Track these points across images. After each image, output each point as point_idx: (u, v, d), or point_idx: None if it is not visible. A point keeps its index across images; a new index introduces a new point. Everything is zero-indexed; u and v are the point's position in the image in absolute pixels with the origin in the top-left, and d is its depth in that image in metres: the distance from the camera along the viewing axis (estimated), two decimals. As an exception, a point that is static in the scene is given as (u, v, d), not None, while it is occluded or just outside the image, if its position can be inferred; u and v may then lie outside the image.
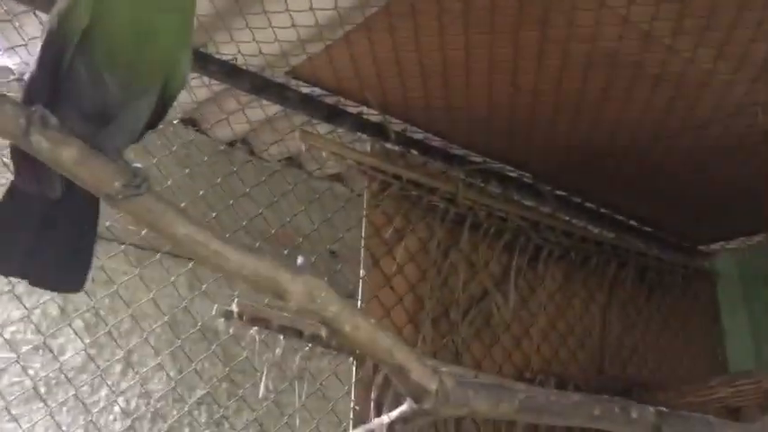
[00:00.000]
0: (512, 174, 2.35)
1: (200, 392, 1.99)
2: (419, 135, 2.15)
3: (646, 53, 1.67)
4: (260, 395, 1.79)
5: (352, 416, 1.78)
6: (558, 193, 2.43)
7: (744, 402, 1.85)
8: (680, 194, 2.44)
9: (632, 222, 2.62)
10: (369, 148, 2.03)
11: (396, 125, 2.07)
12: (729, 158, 2.17)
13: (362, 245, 1.93)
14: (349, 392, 1.81)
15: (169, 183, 1.90)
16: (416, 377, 0.94)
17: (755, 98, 1.82)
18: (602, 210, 2.54)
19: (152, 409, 1.93)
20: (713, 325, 2.72)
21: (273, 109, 2.01)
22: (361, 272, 1.90)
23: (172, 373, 1.97)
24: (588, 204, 2.51)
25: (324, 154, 1.92)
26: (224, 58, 1.83)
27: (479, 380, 1.04)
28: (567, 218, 2.41)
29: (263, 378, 1.77)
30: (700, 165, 2.21)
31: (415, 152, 2.15)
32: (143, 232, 1.68)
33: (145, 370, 1.95)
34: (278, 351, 1.74)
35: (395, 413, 1.02)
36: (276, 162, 2.22)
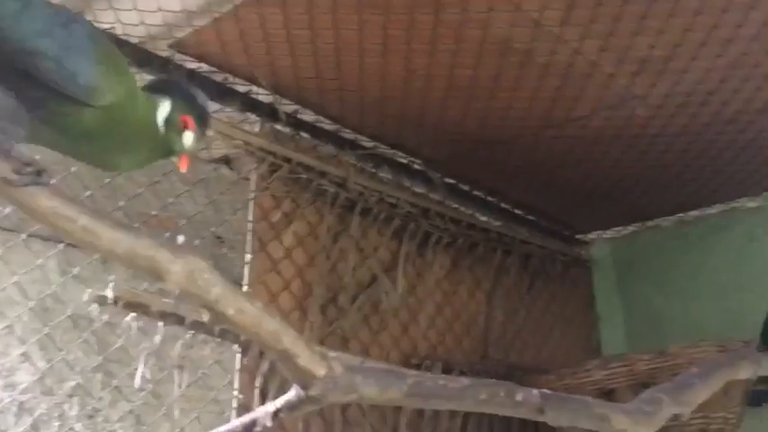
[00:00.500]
0: (403, 160, 2.34)
1: (71, 383, 1.86)
2: (310, 117, 2.10)
3: (535, 42, 1.70)
4: (136, 385, 1.69)
5: (235, 405, 1.72)
6: (448, 180, 2.45)
7: (617, 384, 1.93)
8: (562, 184, 2.52)
9: (517, 211, 2.69)
10: (258, 129, 1.96)
11: (286, 106, 2.01)
12: (609, 150, 2.25)
13: (249, 228, 1.86)
14: (232, 381, 1.75)
15: (38, 158, 1.76)
16: (304, 363, 0.90)
17: (635, 92, 1.89)
18: (490, 198, 2.58)
19: (17, 402, 1.79)
20: (588, 311, 2.83)
21: (156, 84, 1.90)
22: (248, 256, 1.84)
23: (40, 364, 1.83)
24: (476, 192, 2.54)
25: (210, 133, 1.84)
26: (102, 26, 1.71)
27: (368, 365, 1.01)
28: (456, 205, 2.43)
29: (141, 367, 1.67)
30: (582, 155, 2.29)
31: (305, 135, 2.10)
32: (6, 210, 1.55)
33: (9, 360, 1.81)
34: (157, 339, 1.65)
35: (280, 401, 0.98)
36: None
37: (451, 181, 2.47)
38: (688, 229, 2.74)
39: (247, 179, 1.97)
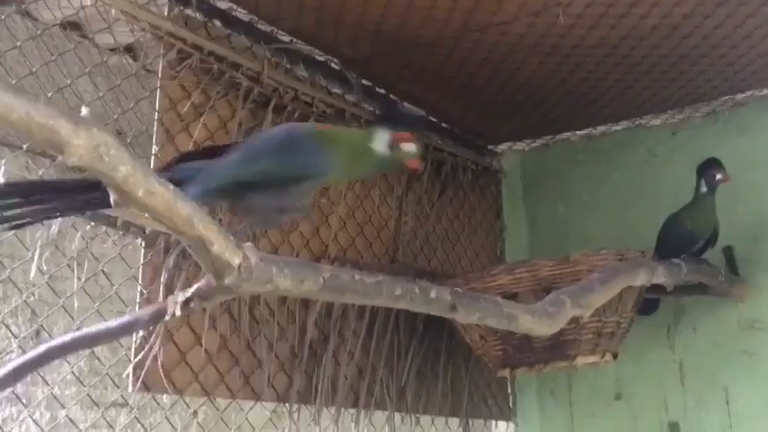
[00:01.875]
0: (320, 58, 2.26)
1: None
2: (224, 5, 1.98)
3: (464, -62, 1.64)
4: (31, 277, 1.61)
5: (138, 300, 1.66)
6: (365, 82, 2.39)
7: (521, 288, 1.99)
8: (478, 93, 2.51)
9: (432, 118, 2.67)
10: (166, 13, 1.83)
11: (198, -10, 1.88)
12: (527, 59, 2.25)
13: (156, 118, 1.76)
14: (136, 276, 1.69)
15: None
16: (218, 250, 0.86)
17: (558, 0, 1.87)
18: (406, 103, 2.55)
19: None
20: (495, 220, 2.90)
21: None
22: (154, 148, 1.75)
23: None
24: (393, 96, 2.50)
25: (113, 12, 1.70)
26: None
27: (284, 257, 0.98)
28: (372, 108, 2.38)
29: (35, 259, 1.58)
30: (499, 64, 2.27)
31: (218, 23, 1.98)
32: None
33: None
34: (53, 229, 1.56)
35: (191, 289, 0.94)
36: (54, 27, 1.93)
37: (368, 83, 2.41)
38: (594, 144, 2.81)
39: (150, 71, 1.85)
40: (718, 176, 2.16)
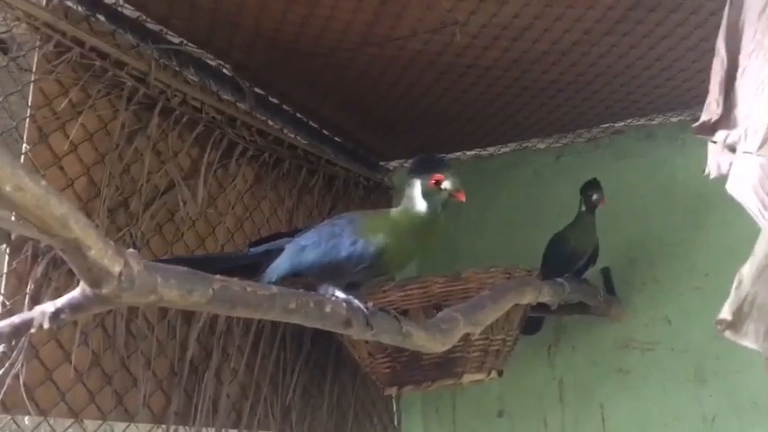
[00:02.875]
0: (211, 62, 2.18)
1: None
2: (110, -1, 1.87)
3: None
4: None
5: (0, 311, 1.51)
6: (258, 90, 2.33)
7: (411, 305, 1.98)
8: (372, 108, 2.50)
9: (325, 131, 2.63)
10: (44, 2, 1.70)
11: (80, -20, 1.76)
12: (422, 77, 2.25)
13: (28, 114, 1.62)
14: (-2, 285, 1.54)
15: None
16: (96, 255, 0.78)
17: (456, 17, 1.88)
18: (299, 114, 2.50)
19: None
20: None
21: None
22: (24, 146, 1.61)
23: None
24: (286, 107, 2.45)
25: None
26: None
27: (170, 266, 0.91)
28: (264, 118, 2.32)
29: None
30: (395, 79, 2.27)
31: (102, 18, 1.87)
32: None
33: None
34: None
35: (62, 300, 0.85)
36: None
37: (261, 92, 2.35)
38: (484, 165, 2.86)
39: (21, 67, 1.70)
40: (595, 197, 2.25)
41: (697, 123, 1.37)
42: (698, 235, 2.42)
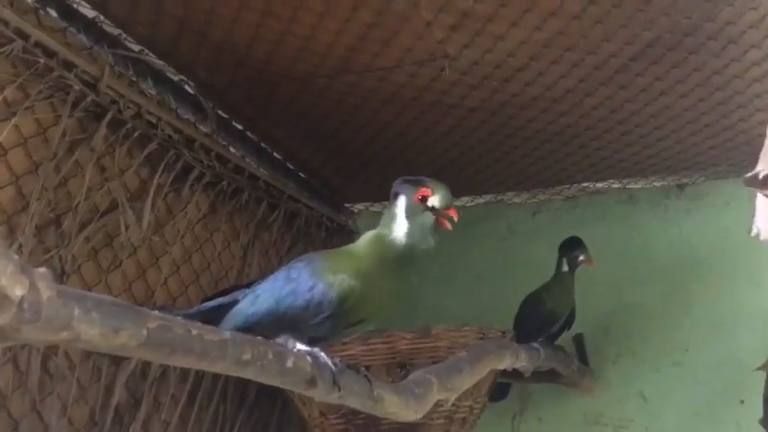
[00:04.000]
0: (173, 77, 1.98)
1: None
2: (62, -8, 1.67)
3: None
4: None
5: None
6: (221, 113, 2.13)
7: (373, 361, 1.77)
8: (342, 145, 2.32)
9: (290, 165, 2.44)
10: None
11: (31, -31, 1.56)
12: (401, 113, 2.09)
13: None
14: None
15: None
16: (-10, 273, 0.57)
17: (447, 50, 1.73)
18: (264, 143, 2.31)
19: None
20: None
21: None
22: (-56, 144, 1.38)
23: None
24: (250, 134, 2.25)
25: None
26: None
27: (93, 294, 0.70)
28: (226, 143, 2.12)
29: None
30: (372, 114, 2.10)
31: (53, 13, 1.66)
32: None
33: None
34: None
35: (-60, 330, 0.62)
36: None
37: (225, 115, 2.15)
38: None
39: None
40: (581, 257, 2.10)
41: (749, 174, 1.22)
42: (679, 307, 2.28)
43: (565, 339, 2.24)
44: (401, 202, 1.10)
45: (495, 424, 2.35)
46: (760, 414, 2.00)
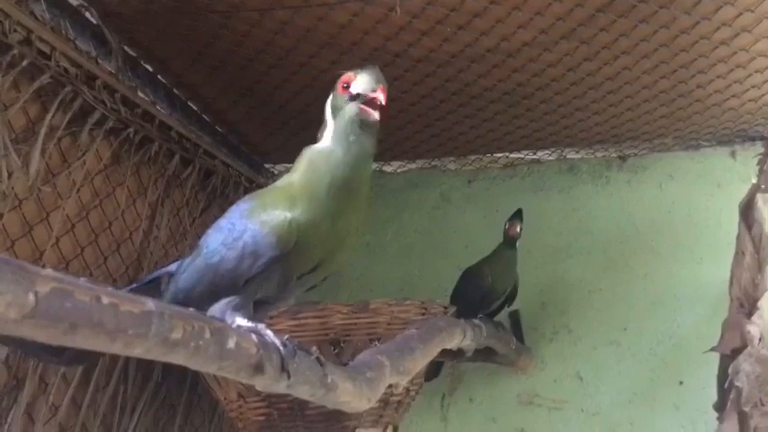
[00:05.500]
0: (71, 1, 1.68)
1: None
2: None
3: None
4: None
5: None
6: (129, 50, 1.84)
7: (303, 338, 1.54)
8: (265, 98, 2.07)
9: (206, 117, 2.17)
10: None
11: None
12: (335, 63, 1.86)
13: None
14: None
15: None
16: None
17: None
18: (177, 90, 2.03)
19: None
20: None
21: None
22: None
23: None
24: (162, 78, 1.97)
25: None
26: None
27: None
28: (133, 84, 1.83)
29: None
30: (301, 63, 1.86)
31: None
32: None
33: None
34: None
35: None
36: None
37: (132, 53, 1.86)
38: (385, 181, 2.50)
39: None
40: (506, 226, 1.95)
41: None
42: (618, 284, 2.18)
43: (500, 315, 2.10)
44: (328, 101, 0.92)
45: (422, 405, 2.18)
46: (699, 396, 1.93)
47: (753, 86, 1.88)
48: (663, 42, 1.70)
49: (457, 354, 1.82)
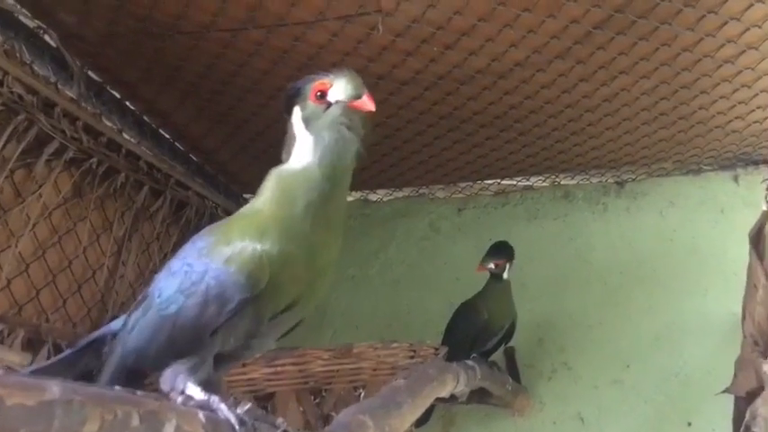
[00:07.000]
0: (28, 22, 1.56)
1: None
2: None
3: None
4: None
5: None
6: (92, 74, 1.72)
7: (280, 387, 1.41)
8: (242, 124, 1.96)
9: (178, 145, 2.05)
10: None
11: None
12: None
13: None
14: None
15: None
16: None
17: (381, 3, 1.41)
18: (146, 117, 1.91)
19: None
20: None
21: None
22: None
23: None
24: (130, 104, 1.85)
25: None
26: None
27: None
28: (97, 111, 1.71)
29: None
30: (282, 82, 1.73)
31: None
32: None
33: None
34: None
35: None
36: None
37: (97, 78, 1.74)
38: (370, 211, 2.37)
39: None
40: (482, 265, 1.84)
41: None
42: (619, 317, 2.05)
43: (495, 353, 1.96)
44: (296, 114, 0.80)
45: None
46: (709, 438, 1.79)
47: (758, 107, 1.78)
48: (664, 61, 1.59)
49: (450, 398, 1.68)
